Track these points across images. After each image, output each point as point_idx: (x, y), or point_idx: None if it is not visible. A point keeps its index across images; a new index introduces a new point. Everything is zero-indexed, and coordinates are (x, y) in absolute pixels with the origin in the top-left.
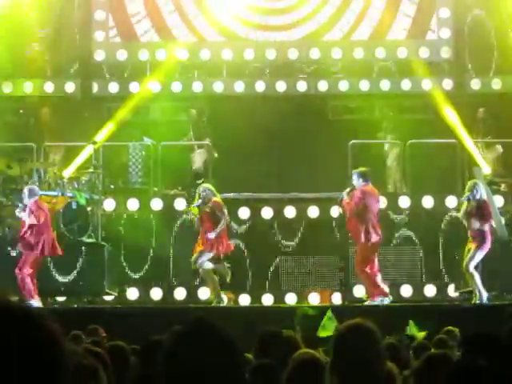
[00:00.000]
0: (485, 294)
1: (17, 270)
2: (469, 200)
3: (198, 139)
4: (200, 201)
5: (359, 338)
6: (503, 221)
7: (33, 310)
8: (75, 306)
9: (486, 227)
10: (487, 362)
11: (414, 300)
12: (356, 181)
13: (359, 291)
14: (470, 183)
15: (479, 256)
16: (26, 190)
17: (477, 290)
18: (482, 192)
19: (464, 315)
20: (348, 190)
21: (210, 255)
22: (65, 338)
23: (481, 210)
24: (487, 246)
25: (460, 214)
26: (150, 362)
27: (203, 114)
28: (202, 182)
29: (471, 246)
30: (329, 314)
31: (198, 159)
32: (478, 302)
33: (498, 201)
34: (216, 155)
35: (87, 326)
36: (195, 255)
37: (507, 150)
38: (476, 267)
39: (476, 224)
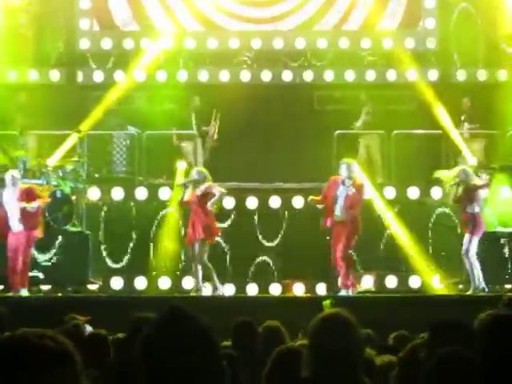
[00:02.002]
0: (483, 283)
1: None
2: (458, 185)
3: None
4: (187, 180)
5: (334, 328)
6: (488, 212)
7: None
8: (59, 294)
9: (477, 209)
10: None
11: (399, 291)
12: (356, 172)
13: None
14: (456, 169)
15: (476, 241)
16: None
17: (476, 278)
18: (470, 176)
19: (451, 306)
20: (351, 182)
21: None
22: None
23: (470, 194)
24: (481, 228)
25: (450, 200)
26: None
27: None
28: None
29: (465, 231)
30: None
31: (187, 148)
32: (475, 290)
33: (483, 192)
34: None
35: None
36: (201, 249)
37: (492, 141)
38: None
39: (467, 207)
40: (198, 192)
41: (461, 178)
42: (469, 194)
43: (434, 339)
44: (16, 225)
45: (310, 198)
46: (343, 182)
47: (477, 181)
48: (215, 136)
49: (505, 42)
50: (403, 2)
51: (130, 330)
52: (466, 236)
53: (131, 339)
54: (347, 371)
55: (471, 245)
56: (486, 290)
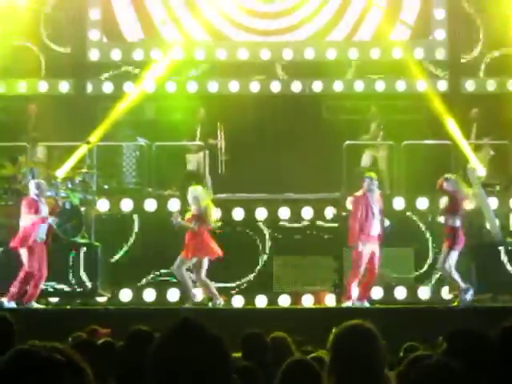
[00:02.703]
0: (469, 294)
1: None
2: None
3: (204, 140)
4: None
5: (358, 338)
6: (498, 222)
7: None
8: (68, 307)
9: (458, 223)
10: (470, 361)
11: (408, 302)
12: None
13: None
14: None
15: (455, 254)
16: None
17: (459, 291)
18: (456, 187)
19: (458, 317)
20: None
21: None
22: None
23: (453, 206)
24: (461, 242)
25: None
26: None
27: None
28: (194, 184)
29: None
30: None
31: (193, 160)
32: (461, 303)
33: (493, 203)
34: (223, 158)
35: (80, 327)
36: (197, 267)
37: (501, 151)
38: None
39: (449, 220)
40: (195, 212)
41: (447, 188)
42: (453, 206)
43: (450, 349)
44: (43, 235)
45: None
46: (370, 196)
47: (464, 193)
48: (222, 149)
49: None
50: (414, 13)
51: (128, 343)
52: (445, 249)
53: (128, 350)
54: (371, 380)
55: (450, 258)
56: (472, 299)
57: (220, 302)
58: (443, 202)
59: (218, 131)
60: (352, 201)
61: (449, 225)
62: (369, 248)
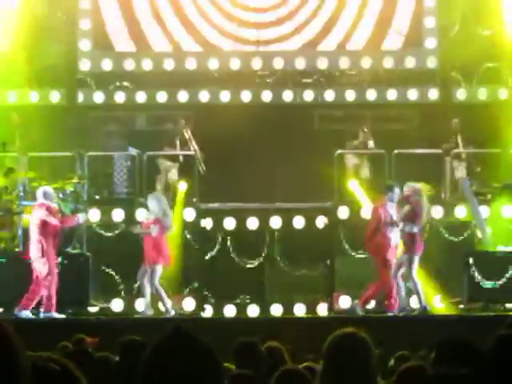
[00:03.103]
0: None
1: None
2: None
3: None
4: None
5: (351, 346)
6: (489, 231)
7: None
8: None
9: (416, 229)
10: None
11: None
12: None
13: (345, 302)
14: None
15: (417, 260)
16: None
17: (419, 298)
18: (419, 195)
19: (449, 326)
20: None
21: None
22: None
23: (413, 215)
24: (419, 249)
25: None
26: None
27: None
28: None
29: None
30: None
31: (174, 171)
32: (420, 311)
33: (484, 211)
34: (202, 169)
35: (71, 337)
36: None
37: (492, 160)
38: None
39: (406, 227)
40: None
41: (411, 199)
42: (413, 215)
43: (440, 358)
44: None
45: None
46: (391, 204)
47: (424, 202)
48: (197, 152)
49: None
50: (407, 23)
51: (122, 353)
52: (405, 256)
53: (123, 361)
54: None
55: (413, 265)
56: (428, 309)
57: (174, 311)
58: (404, 209)
59: (191, 141)
60: (372, 210)
61: (407, 231)
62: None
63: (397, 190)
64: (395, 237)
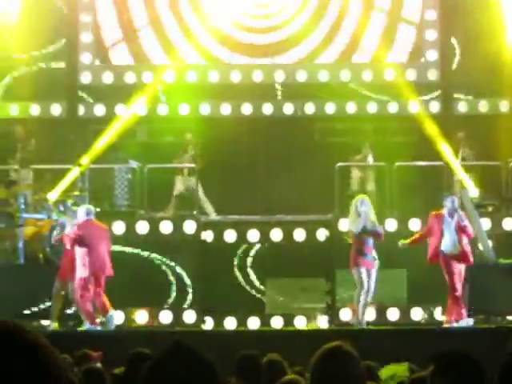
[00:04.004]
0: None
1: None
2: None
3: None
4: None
5: (336, 360)
6: (490, 243)
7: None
8: (61, 329)
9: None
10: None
11: (401, 323)
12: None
13: (345, 315)
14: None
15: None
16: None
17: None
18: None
19: (452, 339)
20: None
21: None
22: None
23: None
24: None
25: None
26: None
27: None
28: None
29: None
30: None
31: (179, 184)
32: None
33: (485, 223)
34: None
35: (74, 349)
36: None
37: (493, 173)
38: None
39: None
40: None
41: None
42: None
43: (438, 371)
44: None
45: (401, 242)
46: (451, 215)
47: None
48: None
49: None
50: (411, 36)
51: (128, 366)
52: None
53: (129, 374)
54: None
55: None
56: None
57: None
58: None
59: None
60: (431, 217)
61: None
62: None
63: (452, 200)
64: (447, 245)
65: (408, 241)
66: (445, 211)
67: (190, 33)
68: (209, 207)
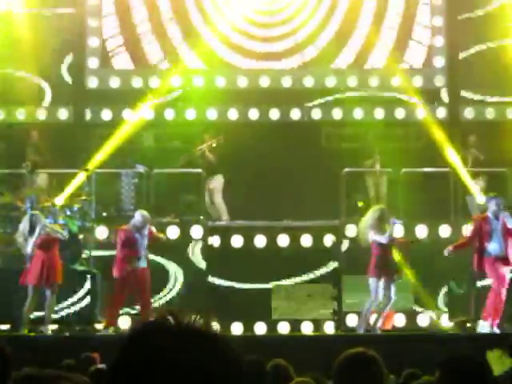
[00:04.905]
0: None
1: None
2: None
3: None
4: None
5: (362, 366)
6: None
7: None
8: (67, 334)
9: None
10: None
11: (408, 329)
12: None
13: (352, 320)
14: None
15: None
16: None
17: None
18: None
19: (457, 345)
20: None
21: None
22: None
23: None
24: None
25: None
26: None
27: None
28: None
29: None
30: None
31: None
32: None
33: None
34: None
35: (79, 354)
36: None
37: (500, 179)
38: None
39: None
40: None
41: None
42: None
43: (445, 377)
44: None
45: (447, 250)
46: (496, 218)
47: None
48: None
49: None
50: (424, 42)
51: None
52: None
53: None
54: None
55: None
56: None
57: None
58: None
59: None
60: (475, 221)
61: None
62: (497, 269)
63: (497, 202)
64: (495, 248)
65: (453, 247)
66: (489, 214)
67: (196, 37)
68: (222, 211)
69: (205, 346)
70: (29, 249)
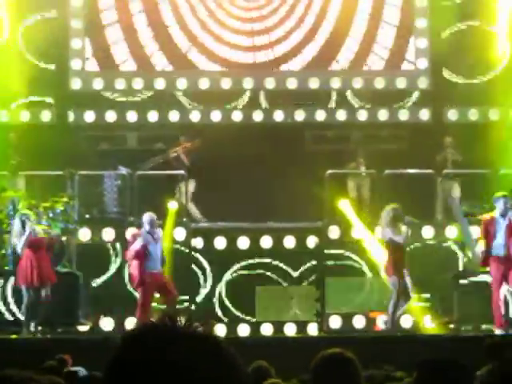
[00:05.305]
0: None
1: None
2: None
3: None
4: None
5: (338, 366)
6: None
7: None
8: (48, 335)
9: None
10: None
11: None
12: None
13: (335, 322)
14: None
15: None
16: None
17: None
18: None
19: (440, 346)
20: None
21: None
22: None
23: None
24: None
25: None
26: None
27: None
28: None
29: None
30: None
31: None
32: None
33: (474, 232)
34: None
35: (58, 355)
36: None
37: (483, 181)
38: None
39: None
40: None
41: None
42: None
43: (421, 379)
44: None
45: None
46: (503, 217)
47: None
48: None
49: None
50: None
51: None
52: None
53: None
54: None
55: None
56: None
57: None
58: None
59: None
60: (484, 221)
61: None
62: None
63: (505, 201)
64: (496, 247)
65: (483, 259)
66: (496, 213)
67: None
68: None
69: (203, 348)
70: (19, 248)
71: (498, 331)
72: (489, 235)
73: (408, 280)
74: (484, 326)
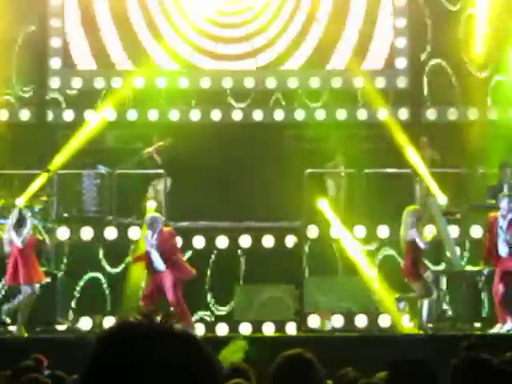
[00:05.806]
0: None
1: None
2: None
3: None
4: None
5: (297, 368)
6: (458, 251)
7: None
8: (26, 335)
9: None
10: None
11: (369, 330)
12: None
13: (314, 321)
14: None
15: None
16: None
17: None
18: None
19: (415, 346)
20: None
21: None
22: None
23: None
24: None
25: None
26: None
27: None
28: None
29: None
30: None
31: (151, 190)
32: None
33: (453, 231)
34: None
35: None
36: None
37: (462, 180)
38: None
39: None
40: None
41: None
42: None
43: (392, 379)
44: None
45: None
46: (504, 216)
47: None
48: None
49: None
50: (386, 43)
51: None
52: None
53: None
54: None
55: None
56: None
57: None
58: None
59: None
60: (488, 220)
61: None
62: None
63: (509, 200)
64: (500, 248)
65: (484, 257)
66: (500, 212)
67: (160, 37)
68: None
69: (185, 346)
70: (19, 243)
71: (498, 328)
72: (492, 234)
73: (429, 274)
74: (461, 325)
